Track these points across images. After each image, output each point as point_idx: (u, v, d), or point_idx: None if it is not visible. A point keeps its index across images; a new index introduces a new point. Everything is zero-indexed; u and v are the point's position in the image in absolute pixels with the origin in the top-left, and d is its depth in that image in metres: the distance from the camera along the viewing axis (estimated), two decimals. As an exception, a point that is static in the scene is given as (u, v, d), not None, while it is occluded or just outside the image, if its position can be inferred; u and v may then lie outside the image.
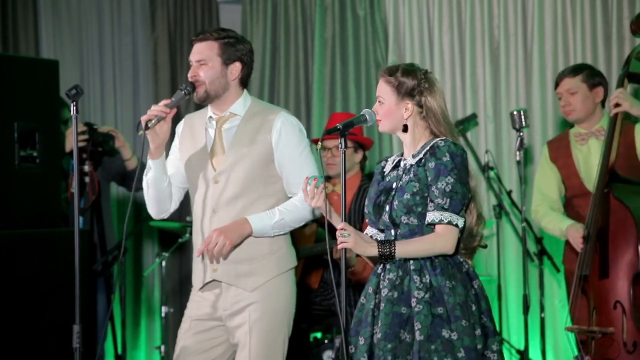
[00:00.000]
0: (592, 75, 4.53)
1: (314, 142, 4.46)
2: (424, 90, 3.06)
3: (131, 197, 3.38)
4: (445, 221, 2.97)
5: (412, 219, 3.01)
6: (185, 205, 3.62)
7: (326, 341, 4.90)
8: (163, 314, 5.56)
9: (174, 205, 3.56)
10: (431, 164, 2.99)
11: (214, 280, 3.44)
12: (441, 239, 2.99)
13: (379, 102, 3.11)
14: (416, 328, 2.94)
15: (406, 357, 2.95)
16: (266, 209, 3.41)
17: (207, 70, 3.40)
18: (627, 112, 4.30)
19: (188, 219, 5.18)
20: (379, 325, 2.99)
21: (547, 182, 4.64)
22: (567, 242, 4.49)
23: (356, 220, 4.68)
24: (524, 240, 4.88)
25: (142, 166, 3.47)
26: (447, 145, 3.00)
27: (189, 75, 3.43)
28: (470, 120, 5.61)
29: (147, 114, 3.30)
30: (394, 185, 3.08)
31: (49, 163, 4.24)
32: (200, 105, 3.55)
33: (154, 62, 6.31)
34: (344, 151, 3.05)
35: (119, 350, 4.95)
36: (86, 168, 4.81)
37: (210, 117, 3.50)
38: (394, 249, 2.99)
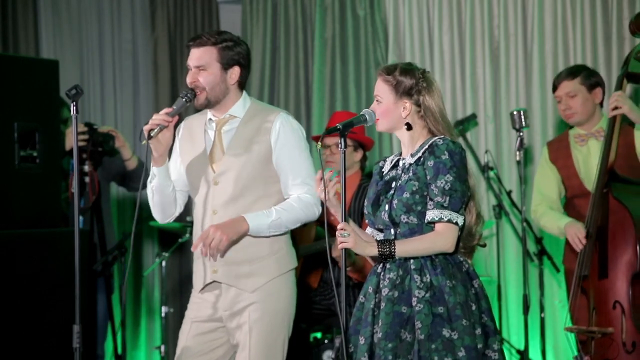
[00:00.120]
0: (589, 76, 4.53)
1: (314, 139, 4.48)
2: (422, 90, 3.07)
3: (138, 197, 3.37)
4: (445, 219, 2.97)
5: (412, 217, 3.01)
6: (185, 206, 3.63)
7: (326, 341, 4.90)
8: (163, 314, 5.56)
9: (178, 209, 3.58)
10: (430, 163, 3.00)
11: (214, 281, 3.44)
12: (441, 238, 2.99)
13: (377, 101, 3.11)
14: (417, 327, 2.94)
15: (407, 357, 2.95)
16: (266, 209, 3.41)
17: (206, 76, 3.40)
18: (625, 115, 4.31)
19: (188, 219, 5.18)
20: (380, 324, 2.99)
21: (546, 182, 4.64)
22: (567, 242, 4.49)
23: (355, 220, 4.68)
24: (524, 240, 4.88)
25: (143, 166, 3.48)
26: (446, 144, 3.00)
27: (188, 81, 3.43)
28: (470, 120, 5.61)
29: (150, 123, 3.30)
30: (393, 184, 3.09)
31: (49, 163, 4.24)
32: (199, 109, 3.55)
33: (154, 62, 6.31)
34: (344, 151, 3.05)
35: (119, 350, 4.95)
36: (86, 168, 4.81)
37: (210, 119, 3.51)
38: (394, 249, 2.99)
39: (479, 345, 2.96)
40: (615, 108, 4.27)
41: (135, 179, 5.05)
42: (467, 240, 3.09)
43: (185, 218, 5.29)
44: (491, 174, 5.45)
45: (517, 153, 4.82)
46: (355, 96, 5.91)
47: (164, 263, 5.54)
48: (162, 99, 6.16)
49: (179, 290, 6.10)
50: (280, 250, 3.47)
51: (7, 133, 4.08)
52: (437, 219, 2.98)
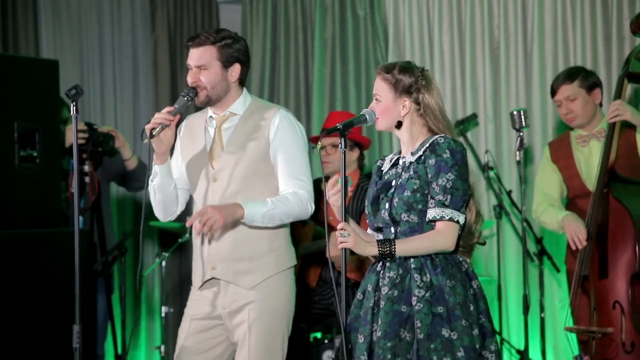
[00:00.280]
0: (587, 78, 4.52)
1: (312, 140, 4.48)
2: (421, 88, 3.07)
3: (144, 197, 3.37)
4: (447, 218, 2.97)
5: (413, 216, 3.01)
6: (186, 205, 3.63)
7: (326, 341, 4.90)
8: (163, 314, 5.56)
9: (180, 208, 3.58)
10: (431, 161, 3.00)
11: (213, 278, 3.44)
12: (442, 236, 2.99)
13: (376, 99, 3.11)
14: (416, 326, 2.94)
15: (406, 356, 2.95)
16: None
17: (207, 75, 3.41)
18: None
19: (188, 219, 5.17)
20: (379, 323, 2.99)
21: (548, 182, 4.64)
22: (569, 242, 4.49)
23: (354, 219, 4.68)
24: (524, 240, 4.88)
25: (144, 166, 3.48)
26: (447, 142, 3.00)
27: (189, 81, 3.43)
28: (470, 120, 5.61)
29: (151, 122, 3.30)
30: (393, 183, 3.09)
31: (49, 163, 4.24)
32: (200, 108, 3.56)
33: (154, 62, 6.31)
34: (344, 151, 3.05)
35: (119, 350, 4.95)
36: (86, 168, 4.81)
37: (211, 116, 3.51)
38: (394, 248, 2.99)
39: (477, 346, 2.96)
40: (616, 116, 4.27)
41: (135, 178, 5.05)
42: (467, 238, 3.10)
43: (185, 218, 5.28)
44: (491, 173, 5.44)
45: (517, 153, 4.82)
46: (355, 96, 5.91)
47: (164, 263, 5.54)
48: (162, 99, 6.16)
49: (179, 290, 6.10)
50: (280, 248, 3.47)
51: (7, 133, 4.08)
52: (438, 217, 2.98)
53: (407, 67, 3.09)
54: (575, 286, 4.26)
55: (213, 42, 3.41)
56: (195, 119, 3.59)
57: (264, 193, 3.41)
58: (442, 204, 2.97)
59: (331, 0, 5.98)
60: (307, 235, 4.78)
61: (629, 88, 4.44)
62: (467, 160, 3.04)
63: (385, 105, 3.09)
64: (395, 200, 3.03)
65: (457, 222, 2.99)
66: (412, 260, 3.02)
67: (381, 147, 5.81)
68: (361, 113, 3.12)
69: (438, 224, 3.00)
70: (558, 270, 5.26)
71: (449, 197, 2.97)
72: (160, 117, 3.31)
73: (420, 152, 3.05)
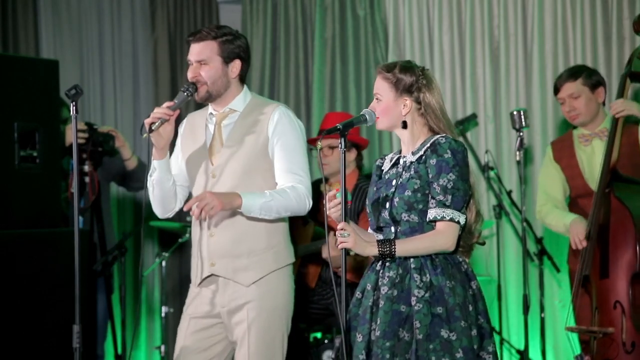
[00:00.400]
0: (591, 76, 4.53)
1: (311, 142, 4.47)
2: (422, 87, 3.07)
3: (144, 196, 3.37)
4: (447, 218, 2.97)
5: (413, 216, 3.01)
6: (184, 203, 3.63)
7: (326, 341, 4.90)
8: (163, 314, 5.56)
9: (178, 204, 3.57)
10: (432, 161, 2.99)
11: (212, 275, 3.44)
12: (442, 236, 2.99)
13: (377, 99, 3.11)
14: (415, 327, 2.94)
15: (404, 356, 2.95)
16: None
17: (208, 70, 3.41)
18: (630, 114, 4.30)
19: (188, 219, 5.18)
20: (378, 322, 2.99)
21: (551, 182, 4.63)
22: None
23: (352, 219, 4.68)
24: (524, 240, 4.88)
25: (144, 166, 3.48)
26: (449, 142, 3.00)
27: (189, 75, 3.43)
28: (470, 120, 5.61)
29: (151, 117, 3.31)
30: (394, 182, 3.08)
31: (49, 163, 4.24)
32: (200, 104, 3.56)
33: (154, 62, 6.31)
34: (344, 151, 3.05)
35: (119, 350, 4.96)
36: (86, 168, 4.81)
37: (211, 113, 3.52)
38: (394, 248, 2.99)
39: (475, 347, 2.96)
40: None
41: (135, 178, 5.05)
42: (467, 238, 3.09)
43: (185, 218, 5.29)
44: (491, 173, 5.45)
45: (517, 153, 4.82)
46: (355, 96, 5.91)
47: (164, 263, 5.54)
48: (162, 99, 6.15)
49: (179, 290, 6.09)
50: (279, 245, 3.47)
51: (7, 133, 4.08)
52: (438, 217, 2.98)
53: (407, 67, 3.08)
54: (577, 286, 4.26)
55: (214, 37, 3.42)
56: (196, 116, 3.60)
57: (263, 190, 3.41)
58: (442, 204, 2.97)
59: (331, 0, 5.98)
60: (307, 235, 4.78)
61: (631, 88, 4.43)
62: (468, 161, 3.04)
63: (386, 105, 3.09)
64: (396, 200, 3.03)
65: (458, 222, 2.99)
66: (412, 260, 3.01)
67: (381, 147, 5.80)
68: (361, 113, 3.11)
69: (438, 224, 3.00)
70: (558, 270, 5.26)
71: (449, 197, 2.97)
72: (159, 111, 3.32)
73: (421, 152, 3.05)
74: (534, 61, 5.54)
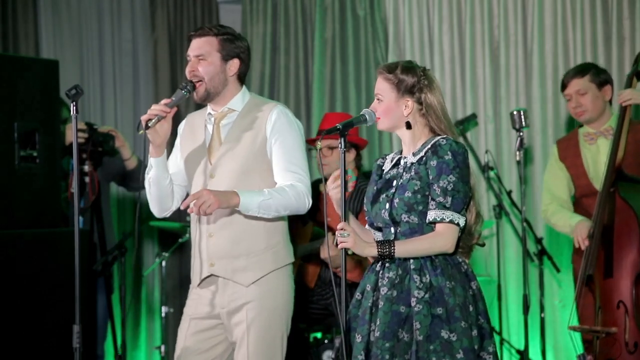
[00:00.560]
0: (599, 74, 4.54)
1: (310, 142, 4.47)
2: (424, 87, 3.06)
3: (138, 196, 3.37)
4: (447, 220, 2.97)
5: (413, 217, 3.01)
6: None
7: (326, 341, 4.90)
8: (163, 314, 5.56)
9: (175, 204, 3.56)
10: (433, 162, 2.99)
11: (211, 275, 3.44)
12: (441, 238, 2.98)
13: (378, 99, 3.10)
14: (415, 328, 2.94)
15: (404, 357, 2.95)
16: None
17: (206, 65, 3.41)
18: (636, 110, 4.30)
19: (188, 219, 5.17)
20: (377, 323, 2.99)
21: (556, 181, 4.63)
22: None
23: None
24: (524, 240, 4.88)
25: (143, 166, 3.47)
26: (449, 144, 3.00)
27: (187, 70, 3.44)
28: (470, 120, 5.61)
29: (148, 114, 3.31)
30: (394, 183, 3.08)
31: (49, 163, 4.24)
32: (200, 105, 3.55)
33: (154, 62, 6.31)
34: (344, 151, 3.04)
35: (119, 350, 4.95)
36: (86, 168, 4.81)
37: (210, 113, 3.51)
38: (394, 249, 2.99)
39: (475, 347, 2.96)
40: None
41: (134, 178, 5.05)
42: (466, 239, 3.09)
43: (185, 218, 5.29)
44: (491, 174, 5.45)
45: (517, 153, 4.82)
46: (355, 96, 5.91)
47: (164, 263, 5.54)
48: (162, 98, 6.04)
49: (179, 290, 6.09)
50: (278, 244, 3.46)
51: (7, 133, 4.08)
52: (438, 219, 2.98)
53: (409, 67, 3.08)
54: (580, 285, 4.26)
55: (215, 34, 3.43)
56: (196, 116, 3.60)
57: (262, 189, 3.40)
58: (442, 206, 2.97)
59: (331, 0, 5.98)
60: (306, 235, 4.78)
61: (638, 86, 4.43)
62: (469, 162, 3.04)
63: (387, 106, 3.08)
64: (396, 200, 3.03)
65: (457, 224, 2.99)
66: (411, 261, 3.01)
67: (381, 147, 5.80)
68: (361, 113, 3.11)
69: (438, 226, 2.99)
70: (558, 270, 5.26)
71: (449, 199, 2.97)
72: (156, 108, 3.31)
73: (422, 153, 3.04)
74: (534, 61, 5.54)
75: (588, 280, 4.25)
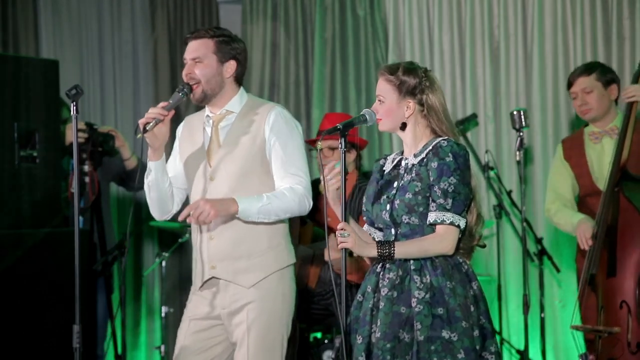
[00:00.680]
0: (605, 73, 4.54)
1: (310, 143, 4.47)
2: (426, 89, 3.06)
3: (134, 197, 3.37)
4: (447, 222, 2.96)
5: (414, 218, 3.01)
6: (185, 206, 3.63)
7: (326, 341, 4.90)
8: (163, 314, 5.56)
9: (176, 207, 3.56)
10: (434, 164, 2.99)
11: (213, 277, 3.44)
12: (441, 240, 2.98)
13: (379, 101, 3.10)
14: (416, 328, 2.93)
15: (405, 357, 2.95)
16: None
17: (202, 68, 3.41)
18: None
19: (188, 219, 5.17)
20: (378, 324, 2.99)
21: (560, 180, 4.62)
22: None
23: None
24: (524, 240, 4.88)
25: (143, 166, 3.48)
26: (450, 145, 3.00)
27: (184, 73, 3.44)
28: (470, 120, 5.61)
29: (145, 117, 3.30)
30: (395, 184, 3.08)
31: (49, 163, 4.24)
32: (199, 106, 3.55)
33: (154, 62, 6.31)
34: (345, 151, 3.04)
35: (119, 350, 4.95)
36: (86, 168, 4.81)
37: (208, 116, 3.51)
38: (394, 250, 2.98)
39: (477, 347, 2.96)
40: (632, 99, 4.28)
41: (134, 178, 5.05)
42: (467, 240, 3.09)
43: (185, 220, 5.27)
44: (491, 173, 5.45)
45: (517, 153, 4.82)
46: (355, 96, 5.91)
47: (164, 263, 5.54)
48: (162, 99, 6.14)
49: (179, 290, 6.09)
50: (279, 246, 3.46)
51: (7, 133, 4.08)
52: (439, 221, 2.97)
53: (411, 68, 3.08)
54: (583, 284, 4.25)
55: (212, 36, 3.43)
56: (194, 118, 3.59)
57: (261, 191, 3.39)
58: (443, 208, 2.96)
59: (331, 0, 5.98)
60: (306, 235, 4.78)
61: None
62: (469, 164, 3.03)
63: (389, 107, 3.08)
64: (397, 202, 3.02)
65: (458, 226, 2.98)
66: (412, 261, 3.01)
67: (381, 147, 5.80)
68: (361, 113, 3.10)
69: (438, 228, 2.99)
70: (558, 270, 5.26)
71: (450, 201, 2.96)
72: (154, 112, 3.31)
73: (423, 155, 3.04)
74: (534, 61, 5.54)
75: (590, 280, 4.24)
